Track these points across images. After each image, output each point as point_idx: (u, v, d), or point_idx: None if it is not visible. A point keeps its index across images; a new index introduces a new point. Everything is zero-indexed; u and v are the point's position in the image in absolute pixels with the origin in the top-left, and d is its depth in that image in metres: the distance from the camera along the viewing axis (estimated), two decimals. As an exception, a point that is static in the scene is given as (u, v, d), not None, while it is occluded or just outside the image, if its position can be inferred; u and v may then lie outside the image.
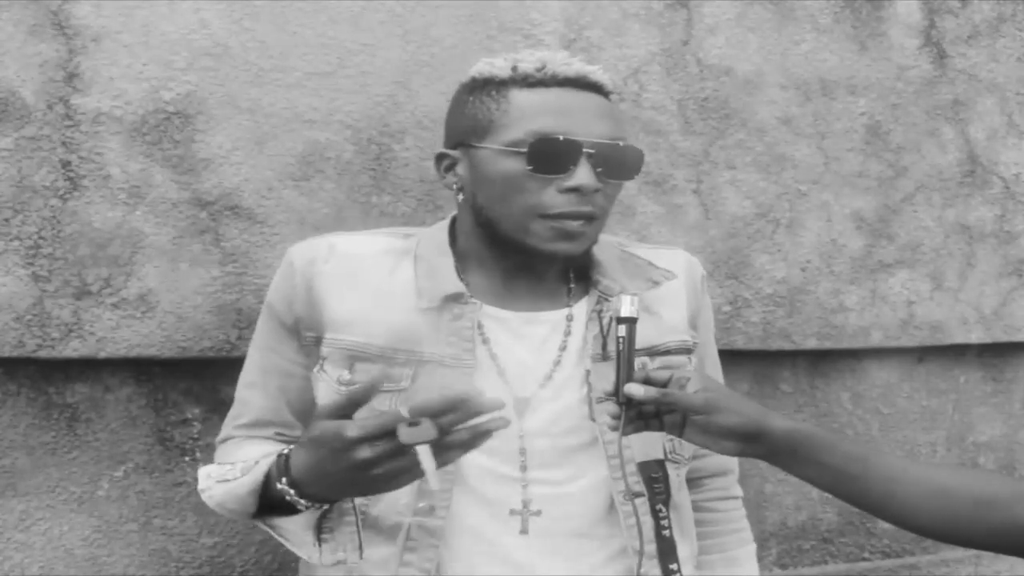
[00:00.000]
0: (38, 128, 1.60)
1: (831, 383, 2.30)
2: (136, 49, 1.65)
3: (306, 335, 1.40)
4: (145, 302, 1.67)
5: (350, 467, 1.12)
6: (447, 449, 1.11)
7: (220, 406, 1.76)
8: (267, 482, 1.28)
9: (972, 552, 2.35)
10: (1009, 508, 1.16)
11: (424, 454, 1.09)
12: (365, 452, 1.10)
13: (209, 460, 1.76)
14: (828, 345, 2.20)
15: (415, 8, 1.82)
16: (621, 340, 1.27)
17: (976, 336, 2.35)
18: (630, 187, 1.98)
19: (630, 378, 1.26)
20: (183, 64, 1.67)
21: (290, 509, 1.26)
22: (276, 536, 1.32)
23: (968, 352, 2.43)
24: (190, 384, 1.76)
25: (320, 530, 1.32)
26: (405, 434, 1.08)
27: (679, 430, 1.28)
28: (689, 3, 2.03)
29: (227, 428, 1.49)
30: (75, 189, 1.63)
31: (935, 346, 2.33)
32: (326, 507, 1.27)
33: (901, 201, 2.24)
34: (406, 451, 1.09)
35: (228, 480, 1.33)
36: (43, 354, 1.62)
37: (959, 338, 2.33)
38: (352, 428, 1.11)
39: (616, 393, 1.26)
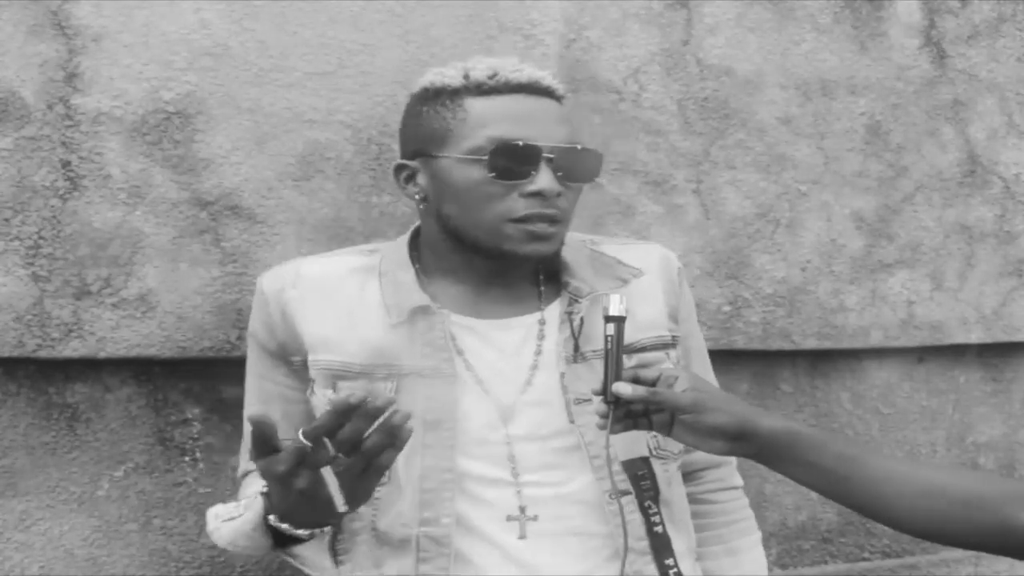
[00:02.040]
0: (38, 128, 1.60)
1: (831, 383, 2.30)
2: (136, 49, 1.65)
3: (293, 359, 1.40)
4: (145, 302, 1.66)
5: (299, 498, 1.13)
6: (373, 455, 1.10)
7: (220, 406, 1.76)
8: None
9: (972, 552, 2.35)
10: (997, 508, 1.16)
11: (327, 475, 1.09)
12: (300, 482, 1.11)
13: (209, 460, 1.77)
14: (828, 345, 2.20)
15: (415, 8, 1.81)
16: (609, 339, 1.27)
17: (976, 336, 2.35)
18: (630, 187, 1.98)
19: (618, 377, 1.25)
20: (183, 64, 1.67)
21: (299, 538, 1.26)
22: (297, 564, 1.32)
23: (968, 352, 2.43)
24: (190, 384, 1.76)
25: (336, 552, 1.32)
26: (310, 460, 1.08)
27: (667, 429, 1.28)
28: (689, 3, 2.03)
29: (244, 461, 1.49)
30: (75, 189, 1.63)
31: (935, 346, 2.33)
32: (327, 530, 1.28)
33: (901, 201, 2.24)
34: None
35: (234, 518, 1.33)
36: (43, 354, 1.62)
37: (959, 338, 2.33)
38: (278, 462, 1.11)
39: (604, 392, 1.25)
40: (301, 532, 1.23)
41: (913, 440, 2.38)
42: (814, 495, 2.28)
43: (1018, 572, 2.37)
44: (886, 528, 2.33)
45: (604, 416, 1.26)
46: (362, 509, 1.34)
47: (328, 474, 1.09)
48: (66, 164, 1.62)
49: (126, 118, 1.65)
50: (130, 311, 1.66)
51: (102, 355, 1.65)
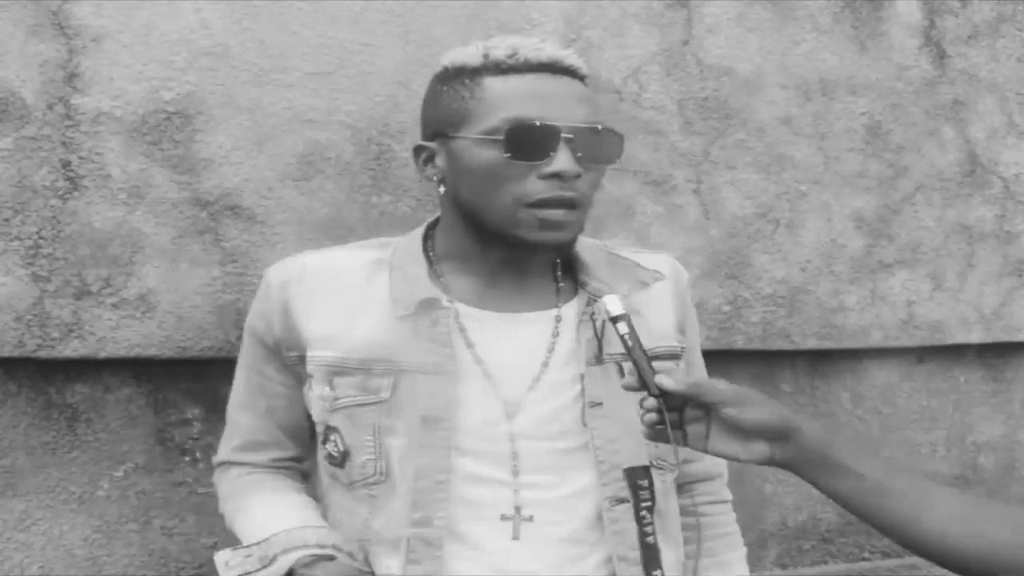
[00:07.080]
0: (38, 128, 1.60)
1: (831, 383, 2.30)
2: (136, 49, 1.65)
3: (288, 355, 1.39)
4: (145, 302, 1.66)
5: None
6: None
7: (220, 406, 1.75)
8: None
9: (972, 552, 2.34)
10: None
11: None
12: None
13: (208, 460, 1.77)
14: (828, 345, 2.20)
15: (415, 8, 1.82)
16: (627, 336, 1.22)
17: (976, 336, 2.35)
18: (630, 187, 1.98)
19: (652, 369, 1.20)
20: (183, 64, 1.67)
21: None
22: None
23: (968, 352, 2.43)
24: (190, 384, 1.76)
25: None
26: None
27: (703, 442, 1.21)
28: (689, 3, 2.03)
29: (223, 451, 1.48)
30: (75, 189, 1.63)
31: (935, 346, 2.33)
32: None
33: (901, 201, 2.24)
34: None
35: (249, 573, 1.30)
36: (43, 354, 1.62)
37: (959, 338, 2.33)
38: None
39: (647, 388, 1.20)
40: None
41: (913, 440, 2.38)
42: (815, 495, 2.27)
43: (1018, 572, 2.37)
44: (886, 528, 2.33)
45: (657, 411, 1.19)
46: (359, 507, 1.34)
47: None
48: (66, 164, 1.62)
49: (126, 118, 1.65)
50: (130, 311, 1.66)
51: (102, 355, 1.65)
